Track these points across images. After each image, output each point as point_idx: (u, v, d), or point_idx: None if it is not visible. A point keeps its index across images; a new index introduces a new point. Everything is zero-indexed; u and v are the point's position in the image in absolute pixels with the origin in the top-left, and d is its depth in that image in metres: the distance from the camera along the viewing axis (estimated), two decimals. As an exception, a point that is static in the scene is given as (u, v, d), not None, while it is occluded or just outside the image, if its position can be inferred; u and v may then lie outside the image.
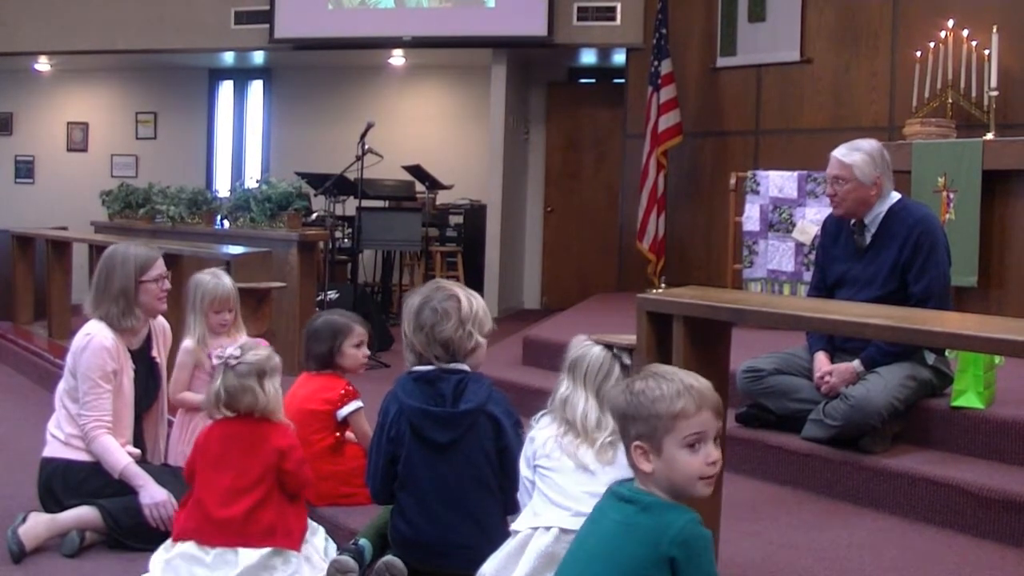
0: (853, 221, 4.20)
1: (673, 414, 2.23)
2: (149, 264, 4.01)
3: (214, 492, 3.37)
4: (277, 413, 3.50)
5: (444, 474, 3.17)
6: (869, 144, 4.19)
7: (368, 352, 4.14)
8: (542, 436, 3.04)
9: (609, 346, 3.06)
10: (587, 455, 2.92)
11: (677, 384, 2.27)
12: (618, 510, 2.30)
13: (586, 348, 3.05)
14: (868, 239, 4.16)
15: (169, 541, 3.42)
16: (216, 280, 4.28)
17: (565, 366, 3.05)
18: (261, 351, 3.53)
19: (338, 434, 3.87)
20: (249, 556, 3.30)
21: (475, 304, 3.28)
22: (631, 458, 2.28)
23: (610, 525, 2.30)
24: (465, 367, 3.26)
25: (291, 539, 3.38)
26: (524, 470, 3.08)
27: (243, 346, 3.54)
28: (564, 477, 2.94)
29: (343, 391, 3.88)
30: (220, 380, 3.46)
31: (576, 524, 2.87)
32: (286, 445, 3.44)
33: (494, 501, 3.20)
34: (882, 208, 4.13)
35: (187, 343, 4.25)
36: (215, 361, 3.53)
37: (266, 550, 3.32)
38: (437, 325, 3.20)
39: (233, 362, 3.45)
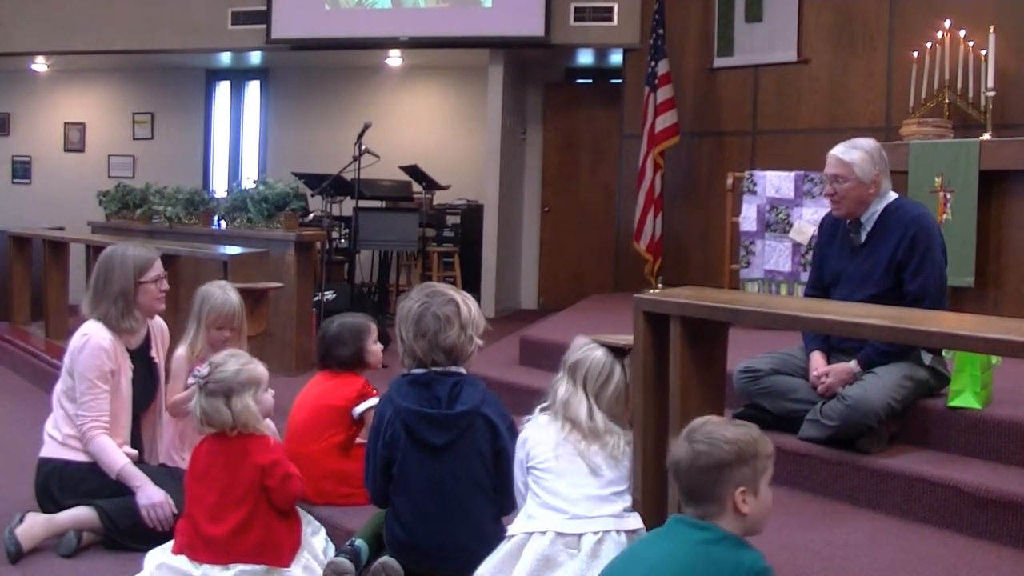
0: (849, 220, 4.20)
1: (768, 454, 2.42)
2: (148, 265, 4.01)
3: (203, 507, 3.38)
4: (252, 426, 3.45)
5: (439, 476, 3.18)
6: (868, 142, 4.19)
7: (382, 345, 4.17)
8: (535, 437, 3.03)
9: (613, 350, 3.07)
10: (598, 455, 2.93)
11: (752, 428, 2.43)
12: (690, 533, 2.38)
13: (587, 351, 3.05)
14: (863, 237, 4.16)
15: (170, 546, 3.42)
16: (224, 296, 4.20)
17: (565, 367, 3.06)
18: (230, 366, 3.46)
19: (350, 432, 3.89)
20: (237, 572, 3.30)
21: (471, 307, 3.30)
22: (726, 504, 2.36)
23: (684, 545, 2.37)
24: (461, 370, 3.27)
25: (280, 557, 3.37)
26: (517, 474, 3.07)
27: (212, 362, 3.49)
28: (560, 480, 2.94)
29: (363, 389, 3.92)
30: (195, 400, 3.46)
31: (571, 527, 2.87)
32: (268, 461, 3.41)
33: (489, 503, 3.20)
34: (878, 207, 4.13)
35: (180, 351, 4.21)
36: (190, 380, 3.53)
37: (254, 567, 3.31)
38: (440, 332, 3.20)
39: (202, 382, 3.44)
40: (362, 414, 3.88)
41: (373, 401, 3.88)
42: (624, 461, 2.97)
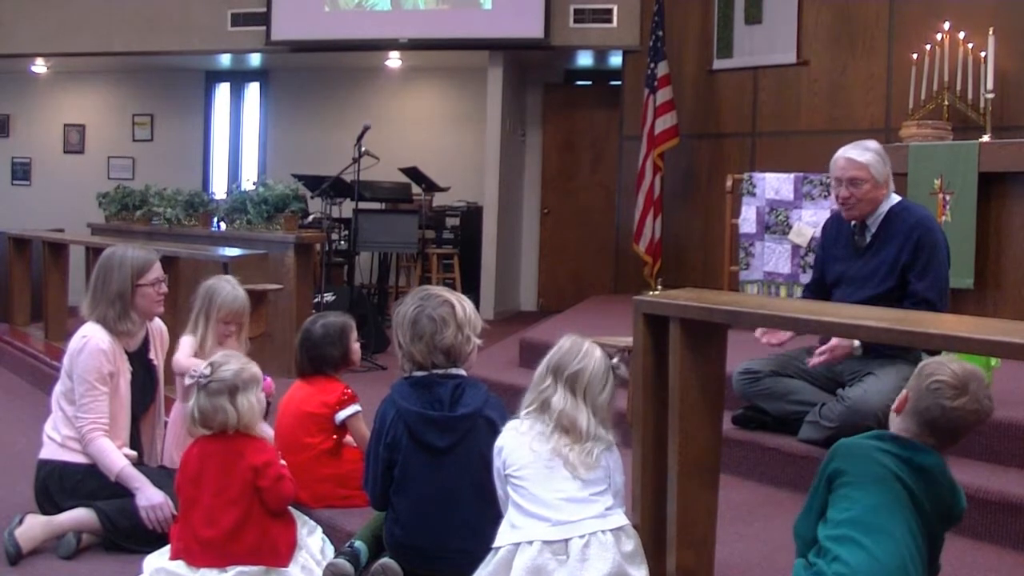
0: (854, 223, 4.18)
1: None
2: (146, 267, 4.00)
3: (197, 511, 3.38)
4: (254, 427, 3.45)
5: (441, 479, 3.17)
6: (874, 144, 4.18)
7: (362, 342, 4.17)
8: (510, 445, 3.01)
9: (607, 354, 3.06)
10: (577, 458, 2.92)
11: None
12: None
13: (585, 360, 3.01)
14: (868, 239, 4.15)
15: (168, 551, 3.43)
16: (235, 292, 4.22)
17: (562, 378, 3.01)
18: (232, 365, 3.46)
19: (336, 437, 3.86)
20: (235, 573, 3.30)
21: (467, 307, 3.30)
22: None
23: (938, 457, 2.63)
24: (462, 371, 3.27)
25: (278, 557, 3.36)
26: (497, 483, 3.05)
27: (213, 363, 3.49)
28: (539, 485, 2.92)
29: (342, 395, 3.88)
30: (193, 400, 3.45)
31: (557, 534, 2.86)
32: (261, 462, 3.41)
33: (489, 506, 3.19)
34: (883, 209, 4.11)
35: (188, 338, 4.22)
36: (187, 381, 3.51)
37: (252, 568, 3.30)
38: (437, 334, 3.20)
39: (204, 381, 3.42)
40: (344, 420, 3.86)
41: (355, 408, 3.87)
42: (601, 462, 2.96)
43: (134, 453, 3.91)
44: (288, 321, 6.74)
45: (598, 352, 3.04)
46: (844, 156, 4.12)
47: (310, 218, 9.00)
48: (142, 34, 10.97)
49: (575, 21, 9.88)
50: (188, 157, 12.45)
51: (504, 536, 2.93)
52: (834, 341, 4.01)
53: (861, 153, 4.09)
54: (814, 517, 2.67)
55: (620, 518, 2.92)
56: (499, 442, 3.04)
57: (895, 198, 4.16)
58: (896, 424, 2.66)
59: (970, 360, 3.87)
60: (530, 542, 2.86)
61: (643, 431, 2.95)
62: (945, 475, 2.59)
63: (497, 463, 3.03)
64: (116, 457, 3.76)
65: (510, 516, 2.95)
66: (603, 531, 2.87)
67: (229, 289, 4.23)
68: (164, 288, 4.09)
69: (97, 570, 3.56)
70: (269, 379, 3.77)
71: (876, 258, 4.10)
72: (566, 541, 2.85)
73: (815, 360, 4.03)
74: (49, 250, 7.74)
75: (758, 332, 4.11)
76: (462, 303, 3.29)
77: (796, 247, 6.55)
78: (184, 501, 3.44)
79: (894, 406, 2.68)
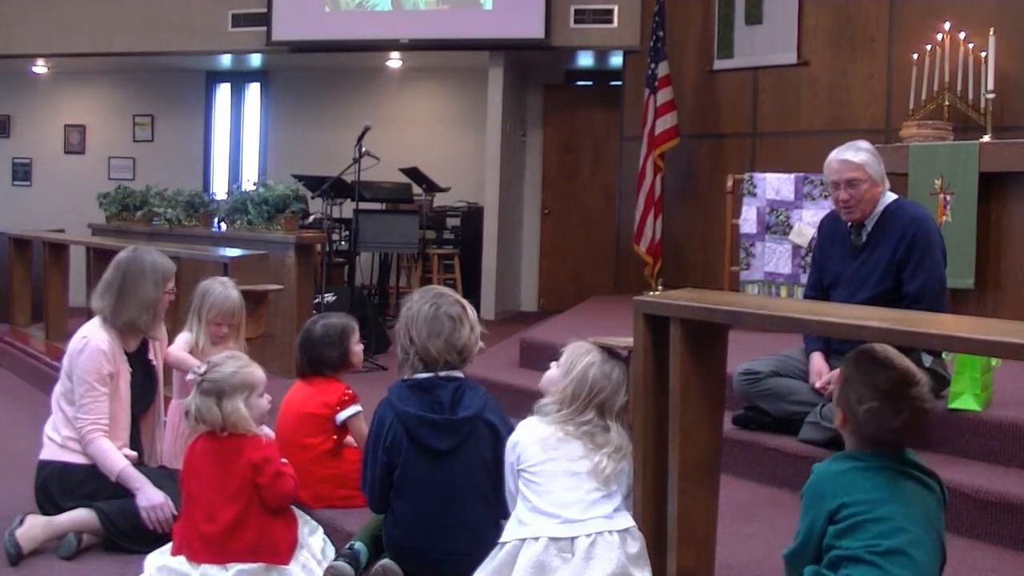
0: (851, 222, 4.18)
1: None
2: (170, 276, 4.09)
3: (199, 506, 3.39)
4: (243, 427, 3.45)
5: (441, 481, 3.17)
6: (865, 143, 4.18)
7: (363, 345, 4.17)
8: (525, 441, 3.01)
9: (610, 352, 3.06)
10: (597, 468, 2.93)
11: None
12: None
13: (605, 378, 3.01)
14: (864, 238, 4.14)
15: (169, 548, 3.43)
16: (226, 293, 4.26)
17: (612, 413, 2.99)
18: (225, 368, 3.47)
19: (336, 437, 3.86)
20: (236, 571, 3.30)
21: (471, 309, 3.33)
22: None
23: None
24: (460, 374, 3.28)
25: (278, 555, 3.36)
26: (508, 478, 3.06)
27: (210, 362, 3.51)
28: (553, 482, 2.92)
29: (344, 395, 3.88)
30: (190, 397, 3.47)
31: (564, 532, 2.86)
32: (259, 458, 3.41)
33: (489, 508, 3.20)
34: (880, 207, 4.11)
35: (185, 334, 4.24)
36: (189, 378, 3.53)
37: (252, 566, 3.31)
38: (455, 332, 3.22)
39: (198, 380, 3.45)
40: (345, 421, 3.86)
41: (356, 408, 3.87)
42: (620, 465, 2.97)
43: (134, 454, 3.91)
44: (289, 322, 6.75)
45: (617, 369, 3.04)
46: (838, 159, 4.11)
47: (311, 218, 9.00)
48: (142, 34, 10.97)
49: (575, 21, 9.88)
50: (188, 157, 12.45)
51: (511, 532, 2.93)
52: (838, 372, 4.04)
53: (855, 153, 4.08)
54: (810, 554, 2.56)
55: (627, 519, 2.92)
56: (515, 437, 3.05)
57: (890, 196, 4.15)
58: (848, 440, 2.60)
59: (972, 359, 3.88)
60: (536, 538, 2.86)
61: (643, 431, 2.95)
62: (924, 468, 2.55)
63: (511, 458, 3.03)
64: (116, 458, 3.77)
65: (518, 512, 2.96)
66: (610, 531, 2.87)
67: (220, 290, 4.26)
68: (174, 294, 4.15)
69: (97, 570, 3.56)
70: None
71: (872, 258, 4.09)
72: (572, 539, 2.86)
73: (819, 385, 4.03)
74: (50, 251, 7.74)
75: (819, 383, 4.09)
76: (468, 305, 3.34)
77: (796, 247, 6.55)
78: (187, 496, 3.45)
79: (836, 423, 2.61)
